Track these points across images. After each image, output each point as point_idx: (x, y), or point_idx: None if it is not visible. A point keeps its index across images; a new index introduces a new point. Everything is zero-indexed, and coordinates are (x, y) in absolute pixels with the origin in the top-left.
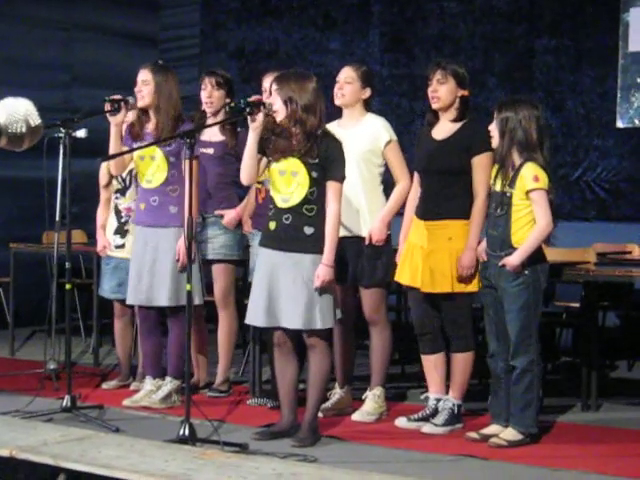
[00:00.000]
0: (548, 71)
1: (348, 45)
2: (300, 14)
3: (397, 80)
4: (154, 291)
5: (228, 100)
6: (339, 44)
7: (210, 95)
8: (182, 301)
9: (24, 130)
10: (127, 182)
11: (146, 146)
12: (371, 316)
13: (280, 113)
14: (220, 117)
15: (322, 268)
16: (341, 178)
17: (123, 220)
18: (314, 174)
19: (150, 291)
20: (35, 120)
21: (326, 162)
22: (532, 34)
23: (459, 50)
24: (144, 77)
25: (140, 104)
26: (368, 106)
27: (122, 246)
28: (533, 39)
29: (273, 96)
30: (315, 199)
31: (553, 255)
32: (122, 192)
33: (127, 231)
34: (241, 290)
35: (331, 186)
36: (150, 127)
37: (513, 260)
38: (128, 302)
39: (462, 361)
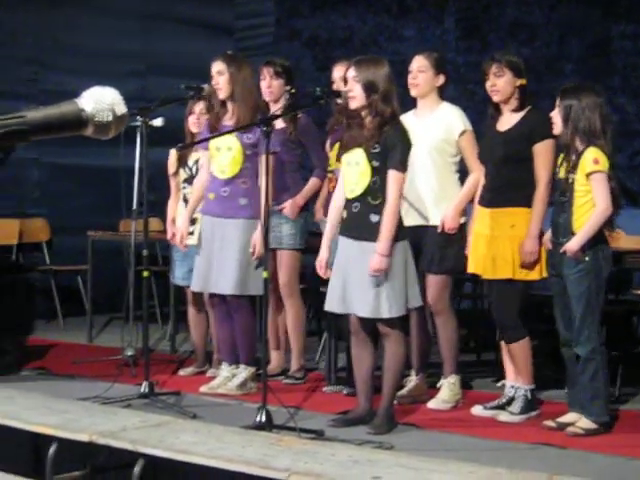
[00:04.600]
0: (625, 57)
1: (423, 32)
2: (375, 1)
3: (472, 67)
4: (220, 279)
5: (288, 87)
6: (414, 31)
7: (269, 85)
8: (247, 291)
9: (110, 119)
10: (194, 171)
11: (223, 134)
12: (434, 304)
13: (358, 100)
14: (280, 105)
15: (375, 257)
16: (401, 166)
17: None
18: (375, 163)
19: (217, 279)
20: (121, 109)
21: (386, 151)
22: (609, 19)
23: (535, 37)
24: (218, 68)
25: (220, 96)
26: (442, 93)
27: (191, 233)
28: (610, 24)
29: (350, 82)
30: (378, 188)
31: (631, 243)
32: (189, 181)
33: (196, 219)
34: (315, 278)
35: (391, 175)
36: (227, 118)
37: (572, 245)
38: (193, 289)
39: (518, 349)
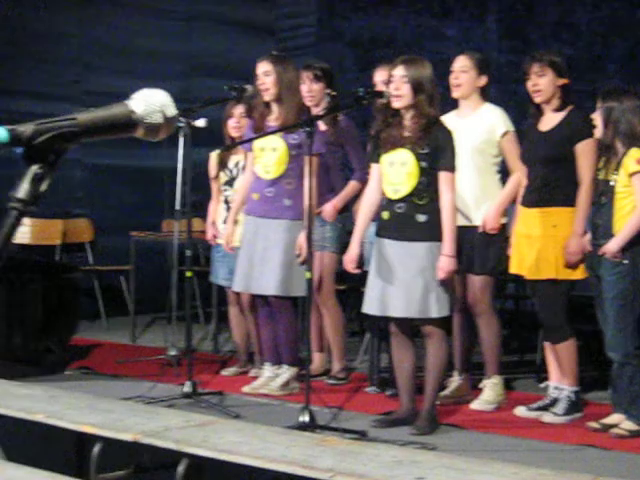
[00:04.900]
0: None
1: (465, 32)
2: (417, 2)
3: (514, 67)
4: (263, 280)
5: (328, 91)
6: (456, 31)
7: (310, 89)
8: (290, 292)
9: (160, 121)
10: (234, 173)
11: (268, 134)
12: (475, 304)
13: (405, 99)
14: (321, 108)
15: (444, 259)
16: (452, 168)
17: None
18: (423, 164)
19: (260, 279)
20: (171, 111)
21: (436, 152)
22: None
23: (578, 36)
24: (265, 68)
25: (265, 97)
26: (485, 94)
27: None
28: None
29: (397, 81)
30: (426, 188)
31: None
32: (230, 183)
33: (236, 221)
34: (357, 279)
35: (443, 176)
36: (272, 119)
37: (611, 246)
38: (235, 289)
39: (564, 350)
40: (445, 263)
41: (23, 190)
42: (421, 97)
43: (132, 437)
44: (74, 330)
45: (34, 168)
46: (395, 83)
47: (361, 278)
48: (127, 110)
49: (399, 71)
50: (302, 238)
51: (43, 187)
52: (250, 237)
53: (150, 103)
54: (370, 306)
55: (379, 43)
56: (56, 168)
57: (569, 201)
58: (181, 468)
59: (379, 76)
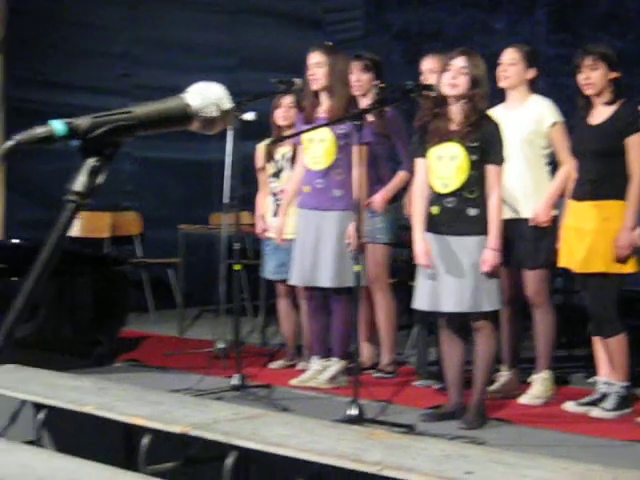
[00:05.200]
0: None
1: (514, 25)
2: None
3: (563, 60)
4: (317, 272)
5: (375, 82)
6: (505, 24)
7: (358, 79)
8: (345, 282)
9: (216, 114)
10: (281, 165)
11: (317, 127)
12: (533, 298)
13: (458, 89)
14: (369, 98)
15: (489, 253)
16: (501, 161)
17: (279, 202)
18: (474, 157)
19: (313, 272)
20: (227, 104)
21: (486, 145)
22: None
23: (628, 29)
24: (317, 59)
25: (314, 87)
26: (534, 86)
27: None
28: None
29: (456, 72)
30: (476, 182)
31: None
32: (277, 175)
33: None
34: (408, 272)
35: (492, 170)
36: (322, 110)
37: None
38: (291, 282)
39: (615, 345)
40: (489, 256)
41: (80, 183)
42: (477, 91)
43: (181, 429)
44: (123, 322)
45: (90, 161)
46: (453, 72)
47: (410, 272)
48: (182, 103)
49: (459, 62)
50: (352, 229)
51: (99, 180)
52: (303, 229)
53: (205, 96)
54: (421, 301)
55: (426, 36)
56: (112, 161)
57: (621, 194)
58: (230, 460)
59: (427, 64)
